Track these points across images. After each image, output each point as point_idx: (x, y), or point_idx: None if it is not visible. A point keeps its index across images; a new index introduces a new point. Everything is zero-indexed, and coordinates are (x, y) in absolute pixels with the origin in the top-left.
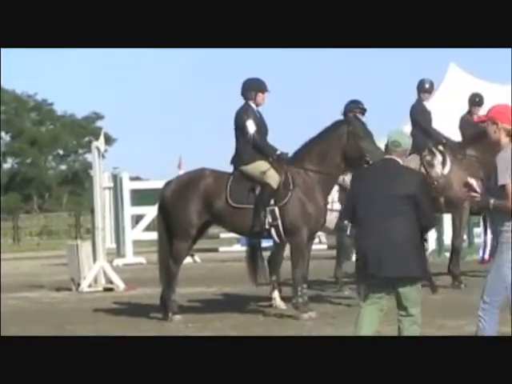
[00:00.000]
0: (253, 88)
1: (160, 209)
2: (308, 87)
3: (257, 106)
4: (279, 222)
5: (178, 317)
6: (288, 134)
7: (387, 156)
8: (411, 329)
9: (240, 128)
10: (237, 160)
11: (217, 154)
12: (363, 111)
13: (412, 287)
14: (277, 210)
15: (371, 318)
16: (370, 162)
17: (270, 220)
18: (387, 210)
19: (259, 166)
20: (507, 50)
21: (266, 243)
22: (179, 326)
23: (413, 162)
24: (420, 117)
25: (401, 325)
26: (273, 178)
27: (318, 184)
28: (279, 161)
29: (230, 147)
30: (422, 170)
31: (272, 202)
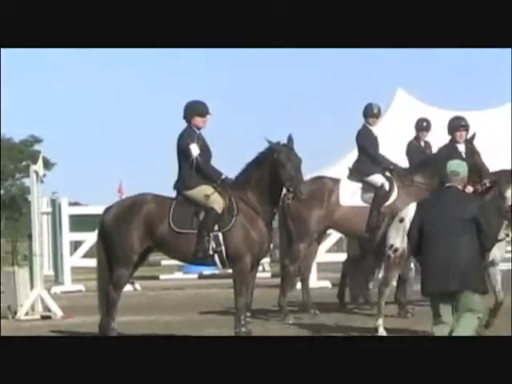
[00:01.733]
0: (195, 111)
1: (100, 234)
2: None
3: (199, 129)
4: (222, 248)
5: None
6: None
7: (448, 184)
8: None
9: (183, 152)
10: (180, 184)
11: (158, 178)
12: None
13: (474, 297)
14: (220, 235)
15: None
16: (291, 189)
17: (214, 246)
18: (452, 231)
19: (203, 191)
20: (455, 76)
21: (208, 271)
22: None
23: (351, 187)
24: (367, 142)
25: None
26: (217, 203)
27: (262, 209)
28: (223, 185)
29: (172, 172)
30: (358, 194)
31: (216, 227)
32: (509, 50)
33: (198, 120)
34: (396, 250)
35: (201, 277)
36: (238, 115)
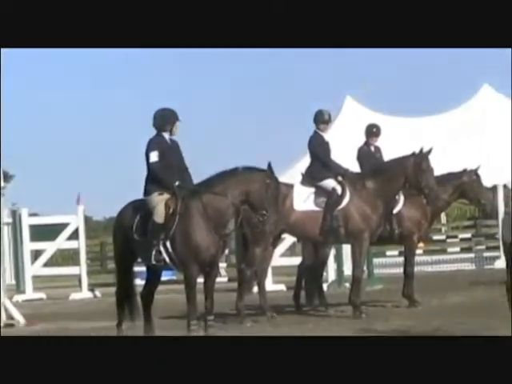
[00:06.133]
0: (163, 119)
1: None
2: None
3: (171, 135)
4: (165, 256)
5: None
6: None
7: None
8: None
9: (146, 158)
10: (144, 191)
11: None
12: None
13: None
14: (168, 243)
15: None
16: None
17: (164, 253)
18: None
19: (153, 199)
20: (400, 84)
21: (166, 276)
22: None
23: (304, 192)
24: (318, 148)
25: None
26: (158, 214)
27: (211, 216)
28: (177, 192)
29: (132, 179)
30: (311, 199)
31: (162, 235)
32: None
33: (166, 127)
34: None
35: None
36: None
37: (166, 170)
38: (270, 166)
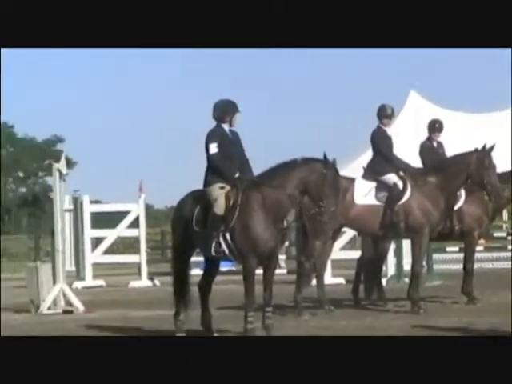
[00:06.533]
0: (222, 110)
1: None
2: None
3: (230, 126)
4: (225, 248)
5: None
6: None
7: None
8: None
9: (205, 149)
10: (204, 182)
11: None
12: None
13: None
14: (228, 234)
15: None
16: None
17: (223, 245)
18: None
19: (213, 191)
20: (466, 78)
21: (225, 267)
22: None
23: (365, 186)
24: (381, 143)
25: None
26: (219, 206)
27: (271, 208)
28: (237, 184)
29: (193, 169)
30: (372, 193)
31: (222, 227)
32: None
33: (225, 118)
34: None
35: (218, 273)
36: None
37: (225, 161)
38: (325, 156)
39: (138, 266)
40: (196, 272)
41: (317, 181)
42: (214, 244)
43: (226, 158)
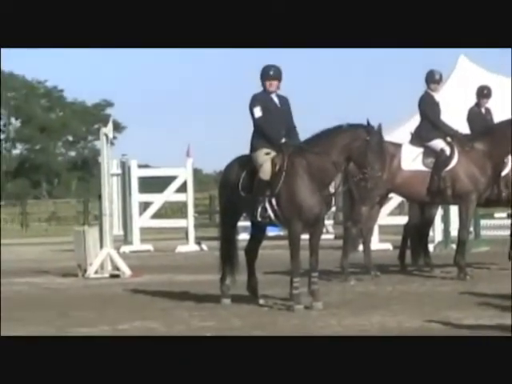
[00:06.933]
0: (265, 75)
1: None
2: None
3: (270, 92)
4: (270, 213)
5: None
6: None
7: None
8: None
9: (250, 114)
10: (250, 147)
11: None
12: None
13: None
14: (273, 200)
15: None
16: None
17: (269, 209)
18: None
19: (259, 156)
20: None
21: (273, 232)
22: (183, 313)
23: (412, 152)
24: (428, 108)
25: None
26: (265, 171)
27: (316, 174)
28: (283, 149)
29: (239, 134)
30: (419, 159)
31: (268, 192)
32: None
33: (267, 83)
34: None
35: (266, 238)
36: None
37: (270, 125)
38: (368, 122)
39: (186, 230)
40: (243, 237)
41: (360, 147)
42: (259, 209)
43: (270, 122)
